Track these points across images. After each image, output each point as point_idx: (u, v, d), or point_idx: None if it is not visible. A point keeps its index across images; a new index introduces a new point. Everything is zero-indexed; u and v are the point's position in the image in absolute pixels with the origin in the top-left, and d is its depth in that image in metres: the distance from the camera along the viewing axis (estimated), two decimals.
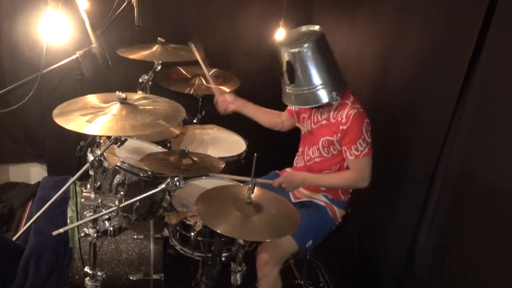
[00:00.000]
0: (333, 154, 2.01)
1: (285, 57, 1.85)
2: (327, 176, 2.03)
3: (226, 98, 2.33)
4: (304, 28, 1.94)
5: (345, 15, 2.79)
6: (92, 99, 1.60)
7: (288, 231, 1.53)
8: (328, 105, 1.96)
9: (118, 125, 1.43)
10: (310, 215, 2.03)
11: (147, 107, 1.57)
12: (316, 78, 1.85)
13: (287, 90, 1.94)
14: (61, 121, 1.43)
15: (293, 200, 2.17)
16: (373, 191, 1.94)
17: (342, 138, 1.93)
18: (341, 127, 1.92)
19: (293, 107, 2.19)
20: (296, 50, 1.81)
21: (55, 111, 1.49)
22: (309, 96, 1.88)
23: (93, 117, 1.45)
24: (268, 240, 1.85)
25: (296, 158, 2.27)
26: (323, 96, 1.88)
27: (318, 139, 2.02)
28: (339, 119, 1.93)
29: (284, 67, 1.88)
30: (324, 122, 2.01)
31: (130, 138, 2.08)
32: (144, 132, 1.46)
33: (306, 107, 2.05)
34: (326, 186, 2.05)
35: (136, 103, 1.58)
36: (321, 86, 1.86)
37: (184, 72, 2.75)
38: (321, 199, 2.09)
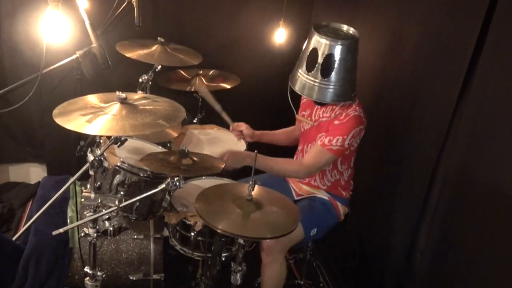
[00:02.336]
0: None
1: (327, 50, 1.80)
2: (276, 160, 1.97)
3: (243, 132, 2.30)
4: (343, 27, 1.93)
5: (345, 15, 2.78)
6: (92, 99, 1.60)
7: (289, 228, 1.53)
8: (333, 104, 1.96)
9: (118, 125, 1.43)
10: (313, 204, 2.06)
11: (147, 107, 1.57)
12: (348, 76, 1.85)
13: (311, 83, 1.87)
14: (61, 121, 1.43)
15: (295, 197, 2.18)
16: (373, 190, 1.95)
17: (328, 128, 1.93)
18: (335, 122, 1.92)
19: (303, 99, 2.18)
20: (345, 45, 1.78)
21: (55, 111, 1.49)
22: (333, 93, 1.86)
23: (93, 117, 1.45)
24: (268, 240, 1.85)
25: (295, 156, 2.27)
26: (347, 94, 1.89)
27: (316, 135, 2.02)
28: (339, 116, 1.94)
29: (321, 60, 1.82)
30: (324, 119, 2.01)
31: (130, 138, 2.08)
32: (144, 132, 1.45)
33: (326, 102, 1.97)
34: (269, 169, 1.97)
35: (136, 103, 1.58)
36: (348, 84, 1.87)
37: (184, 74, 2.75)
38: (323, 195, 2.11)
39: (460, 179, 1.77)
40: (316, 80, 1.87)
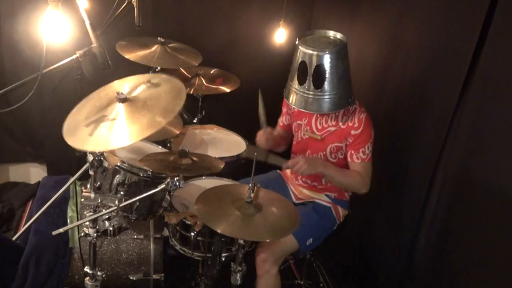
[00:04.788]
0: (339, 159, 2.01)
1: (315, 61, 1.77)
2: (342, 170, 1.96)
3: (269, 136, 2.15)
4: (329, 33, 1.90)
5: (345, 15, 2.79)
6: (93, 100, 1.57)
7: (288, 231, 1.53)
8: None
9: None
10: (310, 213, 2.03)
11: (147, 102, 1.51)
12: (341, 83, 1.82)
13: (306, 96, 1.84)
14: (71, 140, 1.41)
15: (294, 200, 2.16)
16: (374, 191, 1.94)
17: (352, 142, 1.92)
18: (352, 132, 1.91)
19: (295, 110, 2.14)
20: (333, 53, 1.75)
21: (65, 129, 1.44)
22: (330, 102, 1.84)
23: (94, 128, 1.40)
24: (268, 240, 1.85)
25: None
26: (344, 102, 1.87)
27: (326, 146, 2.00)
28: (350, 123, 1.91)
29: (311, 71, 1.79)
30: (332, 128, 1.97)
31: None
32: (144, 135, 1.42)
33: (324, 113, 1.95)
34: (337, 179, 1.95)
35: (136, 95, 1.51)
36: (343, 91, 1.85)
37: (185, 72, 2.75)
38: (323, 199, 2.09)
39: (460, 179, 1.77)
40: (310, 93, 1.84)
